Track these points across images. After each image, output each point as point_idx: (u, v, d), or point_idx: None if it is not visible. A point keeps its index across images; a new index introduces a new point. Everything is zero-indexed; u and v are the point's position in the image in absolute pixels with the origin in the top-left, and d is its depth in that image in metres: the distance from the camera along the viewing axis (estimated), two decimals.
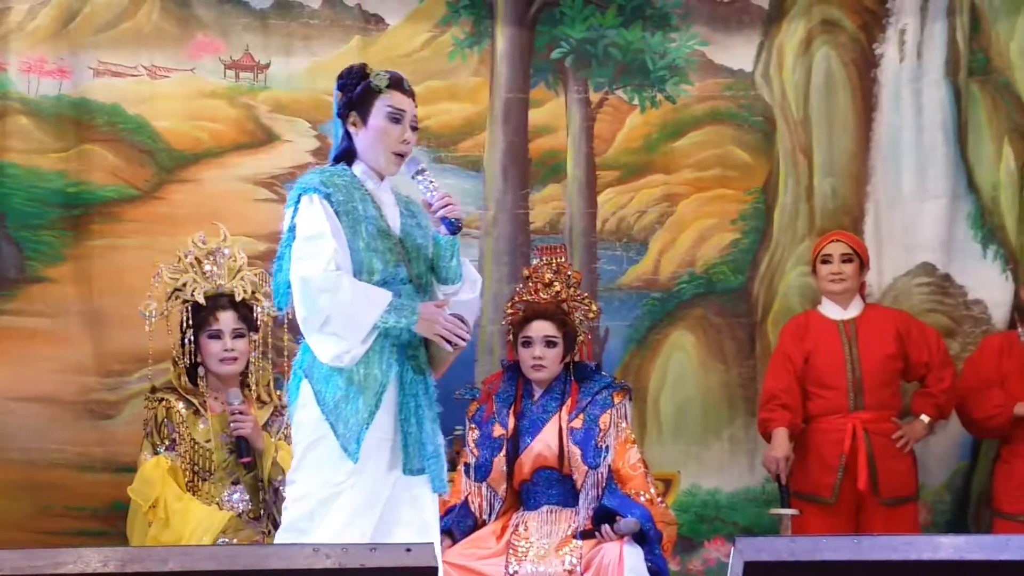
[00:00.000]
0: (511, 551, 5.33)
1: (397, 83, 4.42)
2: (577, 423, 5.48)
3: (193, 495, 5.20)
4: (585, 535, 5.34)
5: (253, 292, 5.42)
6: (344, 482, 4.20)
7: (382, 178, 4.47)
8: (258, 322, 5.41)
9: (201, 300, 5.30)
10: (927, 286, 6.86)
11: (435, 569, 3.12)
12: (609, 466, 5.44)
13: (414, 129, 4.44)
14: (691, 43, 6.86)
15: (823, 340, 6.24)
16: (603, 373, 5.78)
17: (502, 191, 6.73)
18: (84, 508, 6.21)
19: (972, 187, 6.90)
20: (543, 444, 5.49)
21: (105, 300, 6.30)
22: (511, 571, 5.25)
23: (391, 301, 4.22)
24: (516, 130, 6.77)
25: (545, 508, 5.49)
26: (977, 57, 6.90)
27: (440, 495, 4.46)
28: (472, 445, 5.60)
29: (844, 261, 6.22)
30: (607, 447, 5.46)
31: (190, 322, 5.29)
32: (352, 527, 4.18)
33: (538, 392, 5.60)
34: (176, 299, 5.37)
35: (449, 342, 4.26)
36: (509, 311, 5.77)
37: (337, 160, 4.46)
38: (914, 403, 6.31)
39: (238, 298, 5.36)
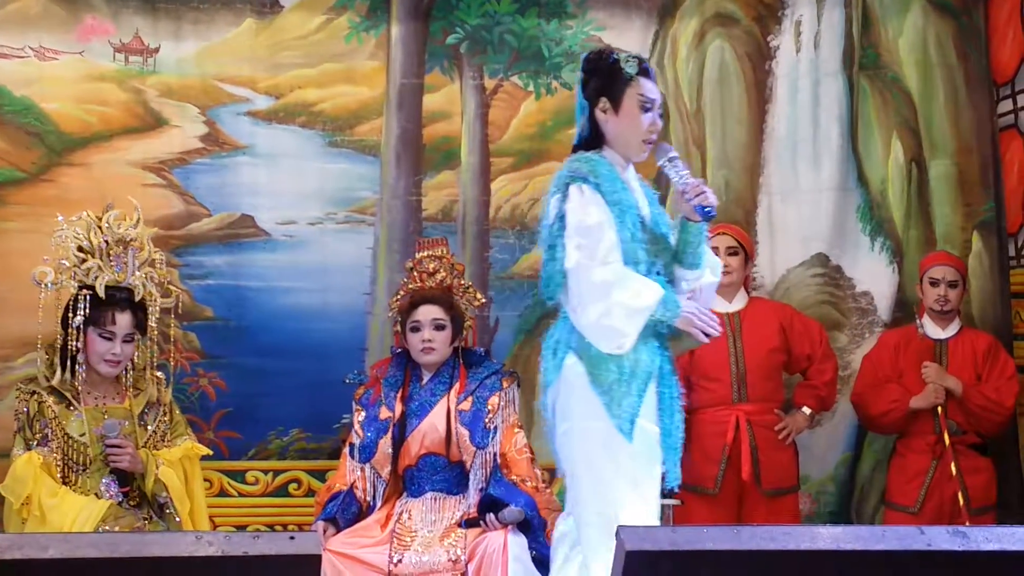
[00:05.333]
0: (395, 540, 5.30)
1: (644, 70, 4.46)
2: (465, 405, 5.49)
3: (68, 488, 5.09)
4: (470, 523, 5.34)
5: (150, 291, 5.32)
6: (624, 469, 4.26)
7: (628, 164, 4.47)
8: (149, 323, 5.30)
9: (101, 293, 5.15)
10: (821, 277, 6.91)
11: (317, 557, 3.12)
12: (496, 451, 5.45)
13: (661, 116, 4.47)
14: (587, 29, 6.85)
15: None
16: (492, 360, 5.80)
17: (395, 177, 6.71)
18: None
19: (862, 180, 6.94)
20: (430, 425, 5.49)
21: None
22: (395, 560, 5.22)
23: (664, 295, 4.27)
24: (410, 116, 6.74)
25: (430, 495, 5.49)
26: (867, 52, 6.95)
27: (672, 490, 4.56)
28: (357, 426, 5.58)
29: (730, 254, 6.24)
30: (495, 428, 5.47)
31: (86, 312, 5.15)
32: (648, 513, 4.29)
33: (426, 377, 5.60)
34: (72, 276, 5.23)
35: (705, 334, 4.35)
36: (394, 303, 5.76)
37: (583, 145, 4.46)
38: (796, 395, 6.35)
39: (136, 297, 5.23)
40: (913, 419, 6.28)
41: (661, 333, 4.37)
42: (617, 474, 4.29)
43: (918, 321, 6.42)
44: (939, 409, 6.20)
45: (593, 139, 4.48)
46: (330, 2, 6.71)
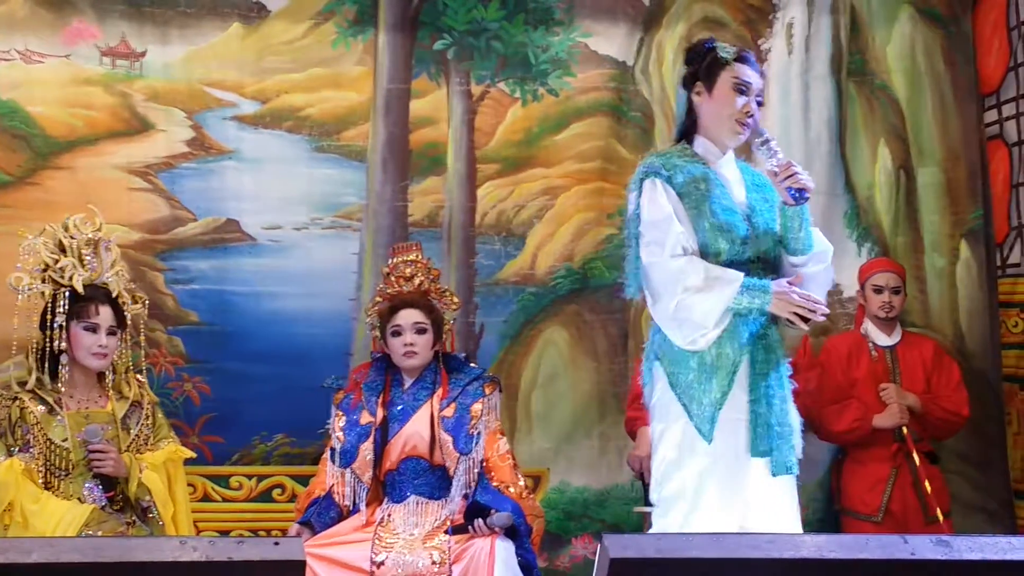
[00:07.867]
0: (377, 541, 5.26)
1: (744, 58, 4.47)
2: (449, 412, 5.46)
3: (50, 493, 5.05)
4: (456, 530, 5.32)
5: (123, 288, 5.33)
6: (704, 467, 4.24)
7: (724, 152, 4.46)
8: (127, 319, 5.32)
9: (80, 289, 5.15)
10: None
11: (302, 563, 3.09)
12: (479, 457, 5.43)
13: (760, 104, 4.46)
14: (574, 35, 6.86)
15: None
16: (472, 364, 5.78)
17: (382, 183, 6.70)
18: None
19: (848, 186, 6.95)
20: (413, 430, 5.47)
21: None
22: (377, 561, 5.16)
23: (743, 282, 4.21)
24: (397, 121, 6.74)
25: (412, 499, 5.45)
26: (855, 58, 6.95)
27: (788, 475, 4.42)
28: (338, 431, 5.54)
29: None
30: (478, 434, 5.44)
31: (65, 308, 5.13)
32: (721, 512, 4.24)
33: (408, 382, 5.58)
34: (47, 280, 5.22)
35: (804, 319, 4.27)
36: (372, 309, 5.75)
37: (681, 135, 4.50)
38: None
39: (113, 294, 5.24)
40: (873, 432, 6.29)
41: (753, 323, 4.33)
42: (686, 483, 4.28)
43: (863, 328, 6.45)
44: (904, 429, 6.22)
45: (688, 128, 4.51)
46: (317, 7, 6.71)
